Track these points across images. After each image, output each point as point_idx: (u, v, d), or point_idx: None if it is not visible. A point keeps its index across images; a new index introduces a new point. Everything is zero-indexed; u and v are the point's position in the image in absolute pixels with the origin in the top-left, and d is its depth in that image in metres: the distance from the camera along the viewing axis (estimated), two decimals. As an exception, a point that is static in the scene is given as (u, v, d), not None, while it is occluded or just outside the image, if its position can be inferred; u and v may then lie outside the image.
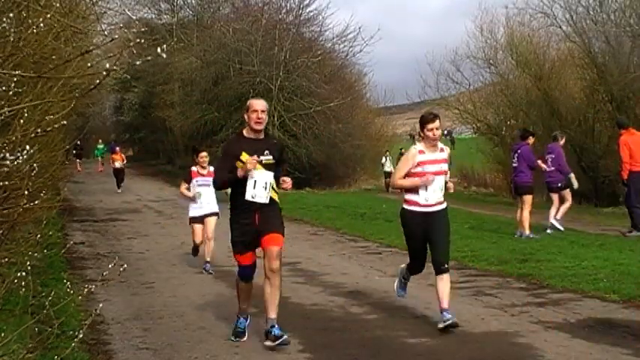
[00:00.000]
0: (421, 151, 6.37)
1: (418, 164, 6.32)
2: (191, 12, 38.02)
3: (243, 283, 6.13)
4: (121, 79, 32.58)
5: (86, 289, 4.46)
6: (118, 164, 25.81)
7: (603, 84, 22.02)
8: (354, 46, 32.04)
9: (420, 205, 6.34)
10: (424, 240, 6.45)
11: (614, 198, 21.67)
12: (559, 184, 12.92)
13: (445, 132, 68.75)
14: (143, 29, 28.22)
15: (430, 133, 6.32)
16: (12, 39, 4.56)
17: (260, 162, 5.80)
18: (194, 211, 9.93)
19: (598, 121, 23.26)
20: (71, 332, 5.75)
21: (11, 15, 4.08)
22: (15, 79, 4.28)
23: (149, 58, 3.66)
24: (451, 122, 37.13)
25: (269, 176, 5.83)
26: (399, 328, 6.40)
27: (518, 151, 12.46)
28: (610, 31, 21.90)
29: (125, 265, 5.02)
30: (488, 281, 8.58)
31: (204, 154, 10.02)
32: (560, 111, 23.92)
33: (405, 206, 6.46)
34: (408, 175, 6.39)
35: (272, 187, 5.87)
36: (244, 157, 5.82)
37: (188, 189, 9.96)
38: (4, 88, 4.30)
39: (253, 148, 5.85)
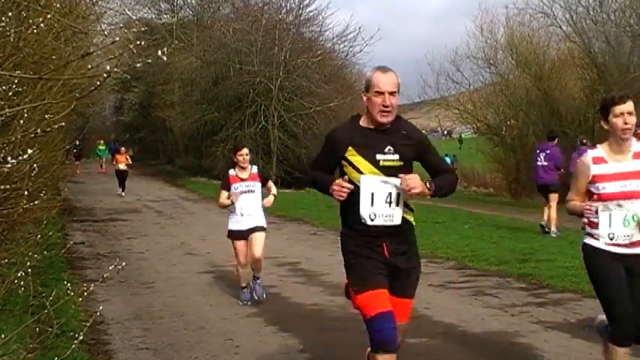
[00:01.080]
0: (598, 159, 4.18)
1: (593, 179, 4.16)
2: (191, 12, 38.06)
3: (384, 356, 3.85)
4: (121, 79, 32.58)
5: (86, 290, 4.46)
6: (122, 166, 23.93)
7: (603, 84, 22.04)
8: (354, 46, 32.09)
9: (607, 244, 4.15)
10: (623, 287, 4.08)
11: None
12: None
13: (445, 132, 68.63)
14: (143, 29, 28.23)
15: (619, 121, 4.09)
16: (12, 39, 4.56)
17: (376, 164, 3.81)
18: (234, 223, 7.72)
19: (598, 121, 23.27)
20: (71, 332, 5.76)
21: (10, 14, 4.08)
22: (15, 80, 4.29)
23: (149, 60, 3.64)
24: (451, 122, 37.17)
25: (394, 185, 3.79)
26: (399, 328, 6.39)
27: (547, 151, 12.69)
28: (610, 31, 21.93)
29: (124, 264, 5.01)
30: (488, 281, 8.58)
31: (244, 151, 7.76)
32: (560, 111, 23.95)
33: (587, 241, 4.26)
34: (589, 194, 4.22)
35: (405, 203, 3.87)
36: (352, 155, 3.84)
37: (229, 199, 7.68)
38: (4, 88, 4.30)
39: (368, 143, 3.83)
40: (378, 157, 3.81)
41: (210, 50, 30.84)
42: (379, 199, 3.78)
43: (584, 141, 13.82)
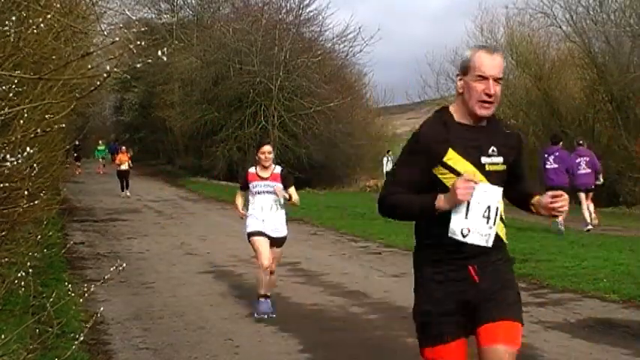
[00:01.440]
0: None
1: None
2: (191, 12, 38.07)
3: None
4: (121, 79, 32.57)
5: (86, 290, 4.46)
6: (124, 166, 23.25)
7: (603, 84, 22.05)
8: (354, 46, 32.19)
9: None
10: None
11: (614, 198, 21.70)
12: (592, 186, 13.68)
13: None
14: (143, 29, 28.21)
15: None
16: (12, 39, 4.56)
17: (482, 168, 3.09)
18: (254, 224, 6.86)
19: (598, 121, 23.30)
20: (71, 333, 5.77)
21: (14, 18, 4.09)
22: (15, 80, 4.29)
23: (149, 60, 3.64)
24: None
25: (496, 195, 3.08)
26: (399, 328, 6.39)
27: (556, 154, 13.14)
28: (610, 31, 21.93)
29: (124, 264, 5.00)
30: (488, 281, 8.57)
31: (267, 148, 6.94)
32: (560, 111, 23.95)
33: None
34: None
35: (500, 216, 3.12)
36: (451, 159, 3.07)
37: (245, 199, 7.13)
38: (4, 88, 4.30)
39: (469, 143, 3.10)
40: (484, 159, 3.09)
41: (210, 50, 30.86)
42: (476, 211, 3.03)
43: (581, 142, 14.16)
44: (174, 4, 38.33)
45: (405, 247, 11.72)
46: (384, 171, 29.53)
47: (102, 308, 6.25)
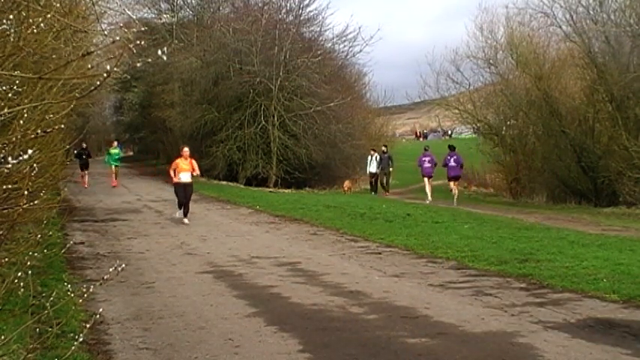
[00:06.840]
0: None
1: None
2: (191, 12, 38.08)
3: None
4: (121, 79, 32.53)
5: (86, 291, 4.46)
6: (185, 177, 15.75)
7: (603, 84, 22.07)
8: (354, 46, 32.24)
9: None
10: None
11: (614, 198, 21.72)
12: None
13: (450, 132, 68.45)
14: (143, 29, 28.17)
15: None
16: (12, 39, 4.56)
17: None
18: None
19: (598, 121, 23.33)
20: (71, 333, 5.77)
21: (11, 17, 4.08)
22: (16, 80, 4.28)
23: (149, 59, 3.64)
24: (451, 122, 37.15)
25: None
26: (399, 328, 6.40)
27: (455, 157, 21.59)
28: (610, 31, 21.94)
29: (124, 265, 5.00)
30: (489, 281, 8.58)
31: None
32: (560, 111, 23.98)
33: None
34: None
35: None
36: None
37: None
38: (4, 88, 4.30)
39: None
40: None
41: (210, 50, 30.86)
42: None
43: (426, 148, 23.19)
44: (175, 4, 38.32)
45: (404, 247, 11.72)
46: (369, 171, 27.99)
47: (102, 308, 6.25)
